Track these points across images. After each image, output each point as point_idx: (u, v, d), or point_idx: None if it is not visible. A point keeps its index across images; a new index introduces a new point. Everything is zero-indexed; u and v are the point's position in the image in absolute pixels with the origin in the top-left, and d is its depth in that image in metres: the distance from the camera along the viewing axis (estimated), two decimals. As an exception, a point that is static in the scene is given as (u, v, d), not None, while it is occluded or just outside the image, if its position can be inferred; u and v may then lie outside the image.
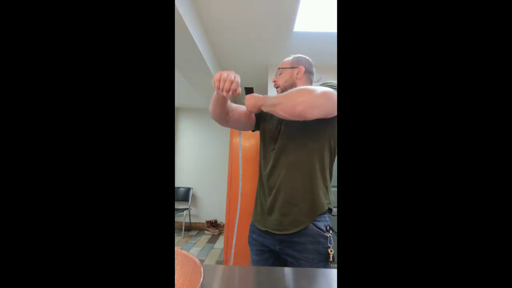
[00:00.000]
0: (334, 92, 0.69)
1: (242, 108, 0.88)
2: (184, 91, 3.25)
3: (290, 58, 0.92)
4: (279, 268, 0.57)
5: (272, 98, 0.76)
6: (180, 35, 1.51)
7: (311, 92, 0.68)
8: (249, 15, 1.69)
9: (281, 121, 0.85)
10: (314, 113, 0.68)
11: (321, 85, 0.75)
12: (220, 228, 3.77)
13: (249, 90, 1.11)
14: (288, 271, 0.56)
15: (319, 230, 0.75)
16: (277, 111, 0.72)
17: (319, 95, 0.68)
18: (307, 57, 0.93)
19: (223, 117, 0.85)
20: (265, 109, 0.77)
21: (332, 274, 0.53)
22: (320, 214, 0.76)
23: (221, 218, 3.83)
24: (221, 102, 0.80)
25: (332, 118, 0.73)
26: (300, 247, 0.75)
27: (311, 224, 0.75)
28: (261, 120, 0.93)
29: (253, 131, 0.97)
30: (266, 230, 0.81)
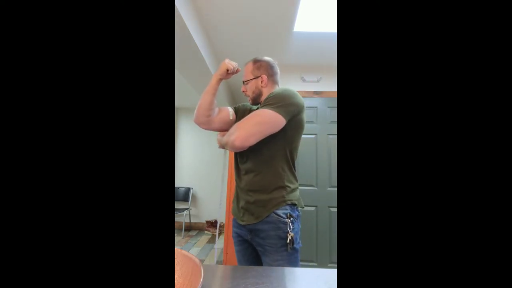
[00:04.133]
0: (268, 114, 0.79)
1: (226, 109, 0.96)
2: (184, 91, 3.25)
3: (250, 65, 0.95)
4: (278, 268, 0.57)
5: (224, 138, 0.86)
6: (180, 35, 1.51)
7: (245, 124, 0.79)
8: (249, 15, 1.69)
9: None
10: (252, 141, 0.79)
11: (263, 104, 0.84)
12: (220, 228, 3.77)
13: None
14: (288, 271, 0.56)
15: (278, 217, 0.82)
16: (227, 148, 0.84)
17: (253, 124, 0.79)
18: (266, 59, 0.95)
19: (208, 114, 0.92)
20: (221, 147, 0.90)
21: (332, 274, 0.53)
22: (277, 209, 0.84)
23: (221, 218, 3.82)
24: (214, 92, 0.90)
25: (281, 130, 0.82)
26: (264, 234, 0.83)
27: (272, 213, 0.83)
28: (239, 118, 0.98)
29: None
30: (239, 224, 0.92)
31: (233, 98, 3.23)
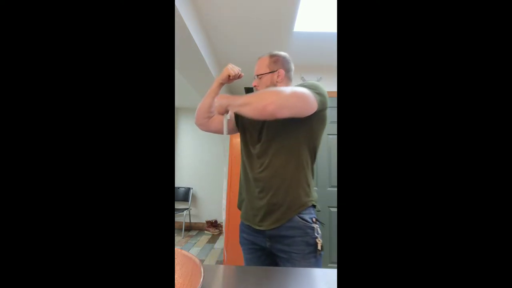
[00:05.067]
0: (306, 92, 0.71)
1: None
2: (184, 91, 3.24)
3: (267, 58, 0.90)
4: (278, 268, 0.57)
5: (240, 98, 0.76)
6: (180, 35, 1.51)
7: (282, 92, 0.70)
8: (249, 15, 1.69)
9: (263, 124, 0.86)
10: (285, 113, 0.70)
11: (298, 85, 0.77)
12: (220, 228, 3.77)
13: (248, 90, 1.12)
14: (287, 271, 0.56)
15: (305, 222, 0.77)
16: (245, 111, 0.73)
17: (290, 95, 0.70)
18: (283, 53, 0.90)
19: (207, 116, 0.91)
20: (232, 110, 0.79)
21: (332, 274, 0.53)
22: (302, 210, 0.78)
23: (221, 218, 3.82)
24: (213, 96, 0.88)
25: (308, 119, 0.76)
26: (289, 240, 0.77)
27: (297, 217, 0.77)
28: (240, 122, 0.94)
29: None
30: (249, 226, 0.84)
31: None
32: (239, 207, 0.92)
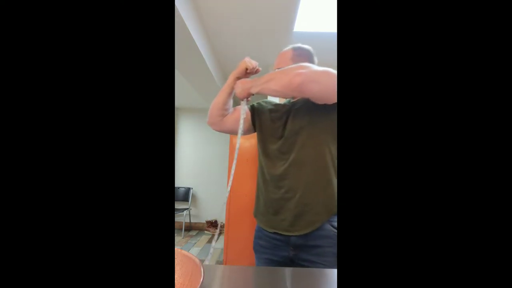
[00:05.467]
0: (335, 73, 0.65)
1: (239, 107, 0.86)
2: (184, 91, 3.25)
3: (290, 51, 0.83)
4: (278, 268, 0.57)
5: (263, 77, 0.72)
6: (180, 35, 1.51)
7: (312, 67, 0.65)
8: (249, 15, 1.69)
9: (286, 116, 0.79)
10: (314, 88, 0.64)
11: None
12: (220, 228, 3.77)
13: None
14: (287, 271, 0.56)
15: (336, 231, 0.70)
16: (270, 86, 0.68)
17: (322, 71, 0.65)
18: (307, 47, 0.85)
19: (222, 114, 0.84)
20: (255, 90, 0.73)
21: (332, 274, 0.53)
22: (334, 214, 0.71)
23: (221, 218, 3.83)
24: (229, 91, 0.82)
25: (333, 109, 0.70)
26: (318, 250, 0.70)
27: (328, 225, 0.70)
28: (257, 118, 0.87)
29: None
30: (276, 232, 0.75)
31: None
32: (256, 215, 0.84)
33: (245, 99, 0.79)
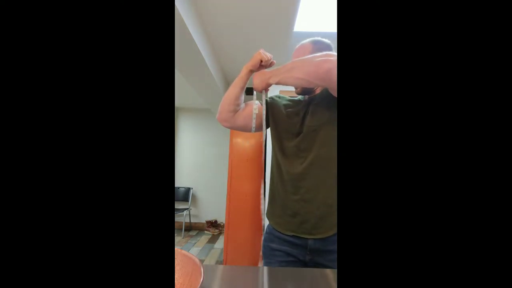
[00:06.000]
0: None
1: (251, 103, 0.82)
2: (184, 91, 3.24)
3: (309, 45, 0.79)
4: (278, 268, 0.57)
5: (282, 66, 0.67)
6: (180, 35, 1.51)
7: (336, 55, 0.59)
8: (249, 15, 1.69)
9: (304, 112, 0.76)
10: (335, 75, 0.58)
11: None
12: (220, 228, 3.77)
13: (250, 90, 1.10)
14: (288, 271, 0.56)
15: None
16: (293, 75, 0.63)
17: None
18: (327, 41, 0.80)
19: (233, 109, 0.79)
20: (274, 80, 0.69)
21: (332, 274, 0.53)
22: None
23: (221, 218, 3.83)
24: (242, 85, 0.78)
25: None
26: (335, 256, 0.67)
27: None
28: (271, 112, 0.83)
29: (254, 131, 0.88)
30: (294, 235, 0.71)
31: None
32: (270, 217, 0.79)
33: (264, 90, 0.75)
